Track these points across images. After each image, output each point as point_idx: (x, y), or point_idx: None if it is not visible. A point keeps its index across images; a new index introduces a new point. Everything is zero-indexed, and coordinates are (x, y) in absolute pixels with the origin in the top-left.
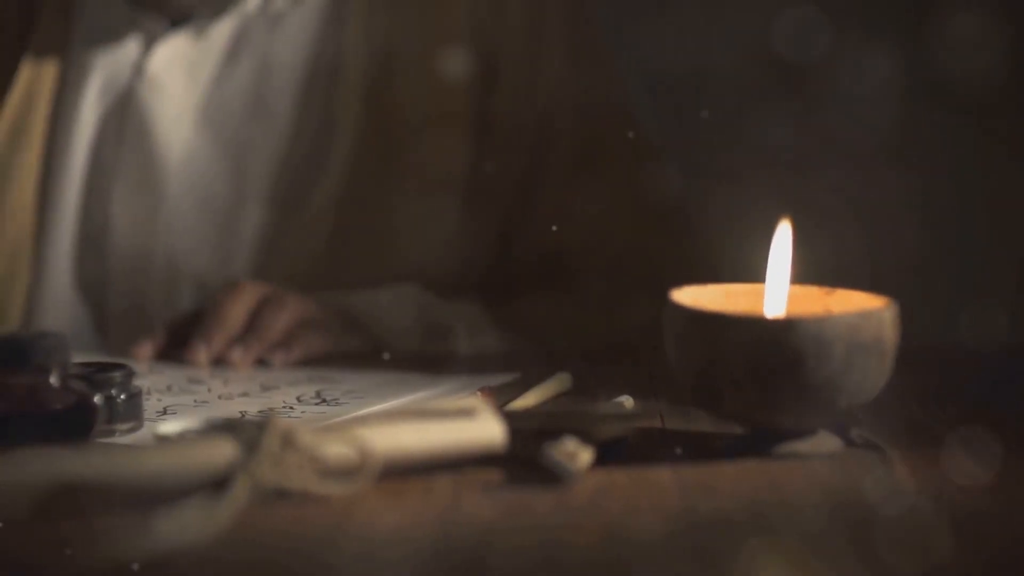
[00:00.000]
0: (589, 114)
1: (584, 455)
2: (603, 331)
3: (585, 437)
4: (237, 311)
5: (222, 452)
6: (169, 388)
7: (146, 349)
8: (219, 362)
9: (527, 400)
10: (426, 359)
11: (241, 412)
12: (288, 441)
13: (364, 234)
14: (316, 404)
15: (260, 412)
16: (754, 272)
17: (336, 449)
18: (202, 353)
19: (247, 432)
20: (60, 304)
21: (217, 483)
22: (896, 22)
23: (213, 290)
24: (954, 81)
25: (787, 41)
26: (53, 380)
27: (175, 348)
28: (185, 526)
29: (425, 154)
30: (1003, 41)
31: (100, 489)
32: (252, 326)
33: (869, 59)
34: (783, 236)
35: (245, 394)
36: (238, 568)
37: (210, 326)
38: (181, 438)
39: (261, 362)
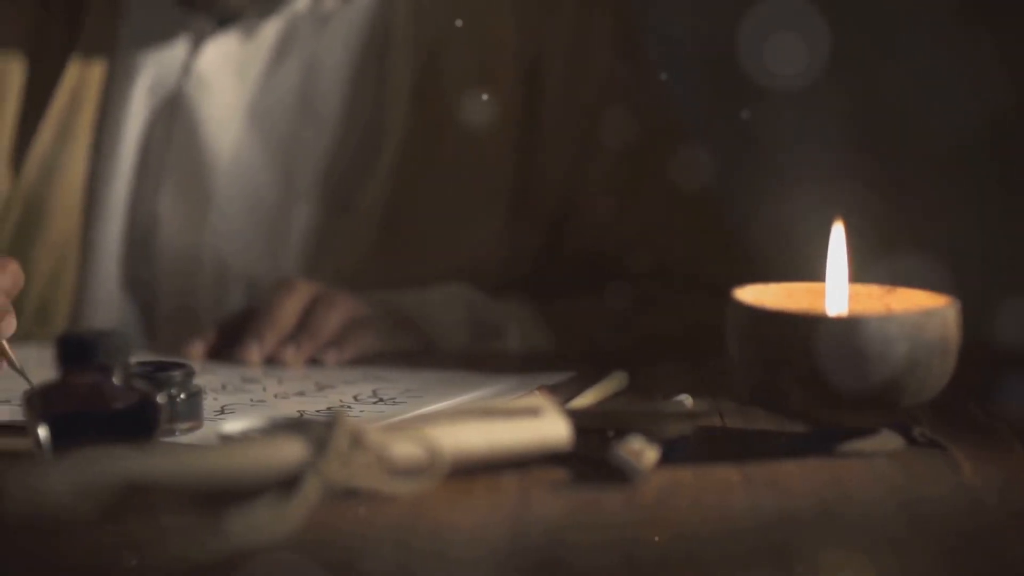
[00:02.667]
0: (636, 111)
1: (650, 453)
2: (650, 331)
3: (650, 435)
4: (289, 310)
5: (291, 452)
6: (224, 387)
7: (197, 348)
8: (271, 361)
9: (586, 399)
10: (476, 358)
11: (299, 411)
12: (357, 440)
13: (411, 233)
14: (374, 403)
15: (318, 411)
16: (803, 271)
17: (404, 448)
18: (255, 352)
19: (315, 431)
20: (108, 304)
21: (286, 483)
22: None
23: (262, 290)
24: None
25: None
26: (116, 379)
27: (226, 347)
28: (256, 526)
29: (472, 152)
30: None
31: (170, 489)
32: (304, 325)
33: (926, 57)
34: (838, 236)
35: (301, 393)
36: (310, 568)
37: (262, 325)
38: (244, 437)
39: (313, 361)
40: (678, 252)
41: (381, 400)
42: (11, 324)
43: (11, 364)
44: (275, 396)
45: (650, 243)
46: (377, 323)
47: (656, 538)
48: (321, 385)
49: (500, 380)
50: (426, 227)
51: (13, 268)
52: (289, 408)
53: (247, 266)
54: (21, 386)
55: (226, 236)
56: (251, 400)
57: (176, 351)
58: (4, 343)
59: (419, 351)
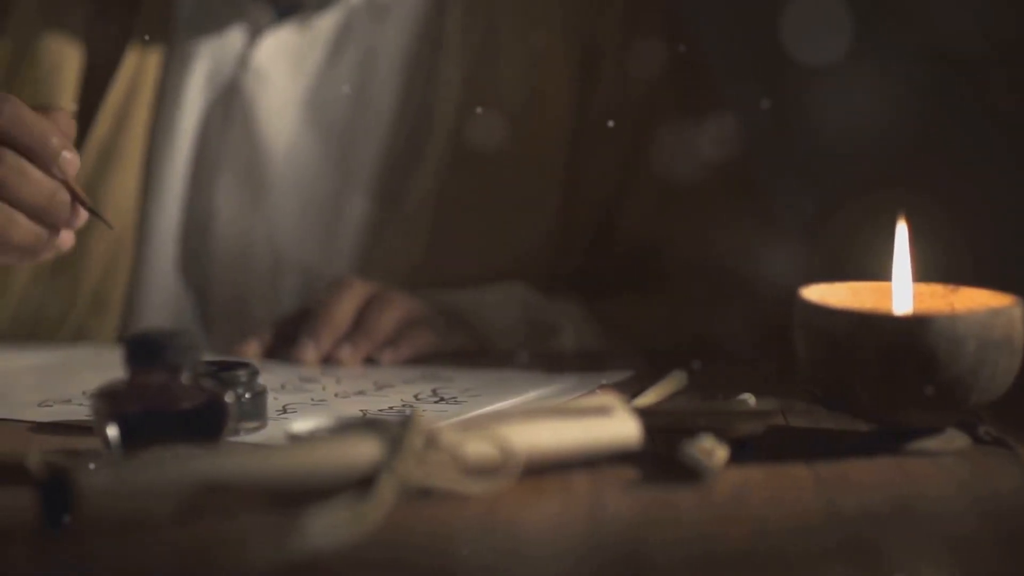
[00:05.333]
0: (687, 107)
1: (721, 452)
2: (699, 331)
3: (720, 434)
4: (345, 309)
5: (366, 451)
6: (283, 386)
7: (253, 347)
8: (327, 361)
9: (648, 398)
10: (531, 357)
11: (362, 411)
12: (431, 440)
13: (461, 227)
14: (435, 402)
15: (380, 411)
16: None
17: (477, 447)
18: (311, 351)
19: (389, 431)
20: (163, 295)
21: (362, 483)
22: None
23: (317, 282)
24: None
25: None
26: (185, 379)
27: (282, 347)
28: (334, 526)
29: (524, 146)
30: None
31: (246, 489)
32: (360, 324)
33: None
34: (902, 234)
35: (361, 392)
36: (390, 567)
37: (318, 324)
38: (313, 437)
39: (369, 360)
40: (727, 248)
41: (442, 399)
42: (73, 162)
43: (83, 204)
44: (335, 395)
45: (699, 239)
46: (433, 323)
47: (734, 535)
48: (380, 384)
49: (559, 379)
50: (477, 222)
51: (64, 116)
52: (351, 408)
53: (301, 257)
54: (82, 386)
55: (281, 227)
56: (312, 400)
57: (230, 347)
58: (75, 185)
59: (474, 351)
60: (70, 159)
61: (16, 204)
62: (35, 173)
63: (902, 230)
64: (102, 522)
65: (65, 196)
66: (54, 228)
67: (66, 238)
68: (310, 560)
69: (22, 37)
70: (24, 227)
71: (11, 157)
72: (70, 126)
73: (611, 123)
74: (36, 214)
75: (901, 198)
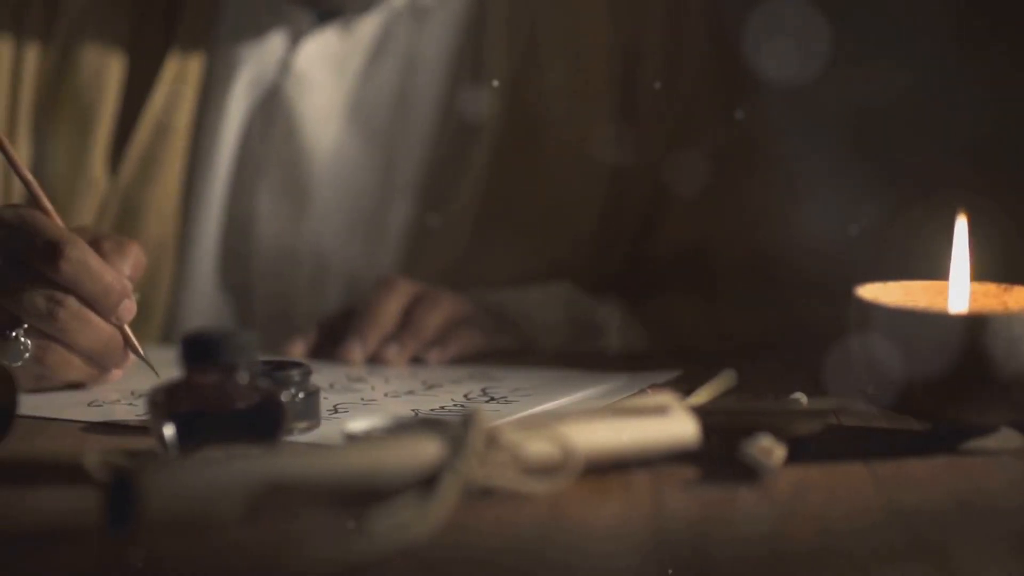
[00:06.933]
0: (730, 106)
1: (779, 451)
2: (743, 328)
3: (777, 433)
4: (391, 309)
5: (428, 451)
6: (332, 386)
7: (299, 347)
8: (373, 360)
9: (699, 397)
10: (576, 357)
11: (413, 410)
12: (492, 439)
13: (507, 227)
14: (485, 402)
15: (432, 410)
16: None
17: (538, 447)
18: (357, 351)
19: (450, 430)
20: (204, 303)
21: (423, 483)
22: None
23: (361, 288)
24: None
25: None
26: (240, 379)
27: (327, 346)
28: (398, 527)
29: (567, 147)
30: None
31: (309, 489)
32: (406, 324)
33: None
34: (961, 232)
35: (411, 392)
36: (454, 568)
37: (364, 324)
38: (369, 437)
39: (415, 360)
40: (770, 247)
41: (493, 399)
42: (131, 309)
43: (135, 351)
44: (384, 395)
45: (742, 242)
46: (478, 322)
47: (797, 533)
48: (429, 384)
49: (608, 379)
50: (520, 223)
51: (135, 251)
52: (402, 407)
53: (345, 264)
54: (131, 385)
55: (324, 234)
56: (362, 399)
57: (278, 350)
58: (128, 330)
59: (519, 350)
60: (128, 307)
61: (73, 348)
62: (94, 320)
63: (962, 228)
64: (166, 523)
65: (119, 341)
66: (104, 369)
67: (115, 375)
68: (374, 561)
69: (66, 44)
70: (77, 369)
71: (73, 304)
72: (140, 258)
73: (654, 124)
74: (90, 357)
75: (955, 197)
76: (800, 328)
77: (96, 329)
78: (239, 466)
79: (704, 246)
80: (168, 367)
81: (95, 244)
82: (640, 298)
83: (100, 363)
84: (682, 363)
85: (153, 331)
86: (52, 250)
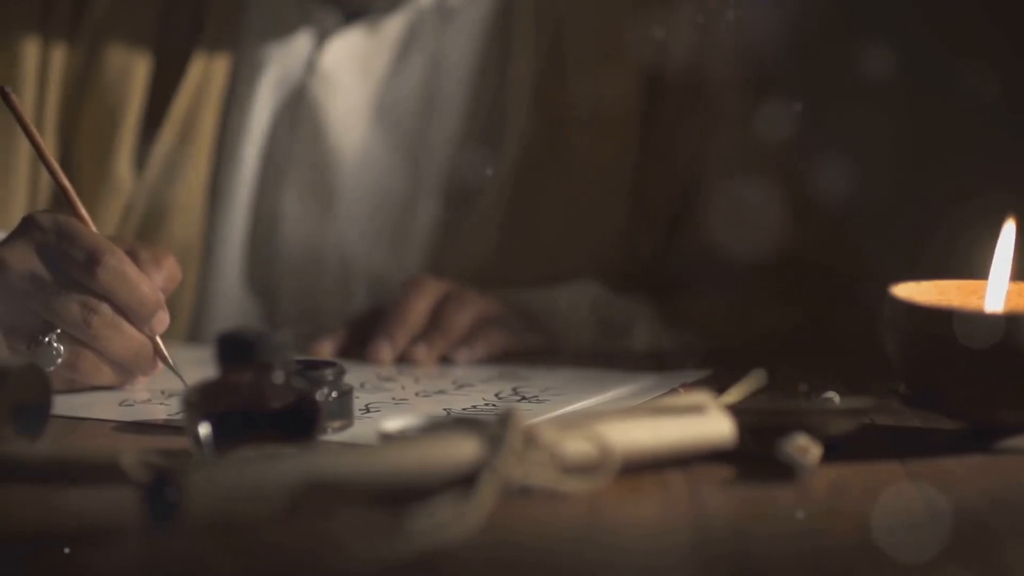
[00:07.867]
0: (757, 110)
1: (815, 450)
2: (772, 327)
3: (814, 432)
4: (419, 308)
5: (466, 450)
6: (362, 385)
7: (327, 347)
8: (402, 360)
9: (730, 397)
10: (605, 356)
11: (445, 410)
12: (530, 438)
13: (533, 229)
14: (517, 401)
15: (464, 409)
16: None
17: (575, 446)
18: (386, 350)
19: (488, 429)
20: (230, 303)
21: (462, 482)
22: None
23: (386, 289)
24: None
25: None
26: (276, 378)
27: (355, 346)
28: (439, 526)
29: (594, 148)
30: None
31: (348, 488)
32: (435, 323)
33: None
34: (1008, 234)
35: (441, 391)
36: (493, 567)
37: (393, 323)
38: (404, 436)
39: (444, 360)
40: (799, 244)
41: (524, 398)
42: (164, 320)
43: (165, 361)
44: (415, 395)
45: (766, 241)
46: (507, 321)
47: (838, 530)
48: (460, 383)
49: (639, 378)
50: (548, 222)
51: (169, 263)
52: (433, 407)
53: (371, 265)
54: (161, 385)
55: (350, 234)
56: (393, 399)
57: (305, 350)
58: (159, 340)
59: (547, 349)
60: (162, 318)
61: (104, 355)
62: (127, 329)
63: (1009, 230)
64: (207, 522)
65: (150, 351)
66: (132, 376)
67: (142, 381)
68: (414, 560)
69: (92, 44)
70: (107, 375)
71: (107, 312)
72: (175, 270)
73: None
74: (120, 364)
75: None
76: (830, 328)
77: (128, 338)
78: (280, 465)
79: (731, 245)
80: (193, 367)
81: (131, 254)
82: (668, 297)
83: (130, 370)
84: (711, 362)
85: (178, 331)
86: (90, 258)
